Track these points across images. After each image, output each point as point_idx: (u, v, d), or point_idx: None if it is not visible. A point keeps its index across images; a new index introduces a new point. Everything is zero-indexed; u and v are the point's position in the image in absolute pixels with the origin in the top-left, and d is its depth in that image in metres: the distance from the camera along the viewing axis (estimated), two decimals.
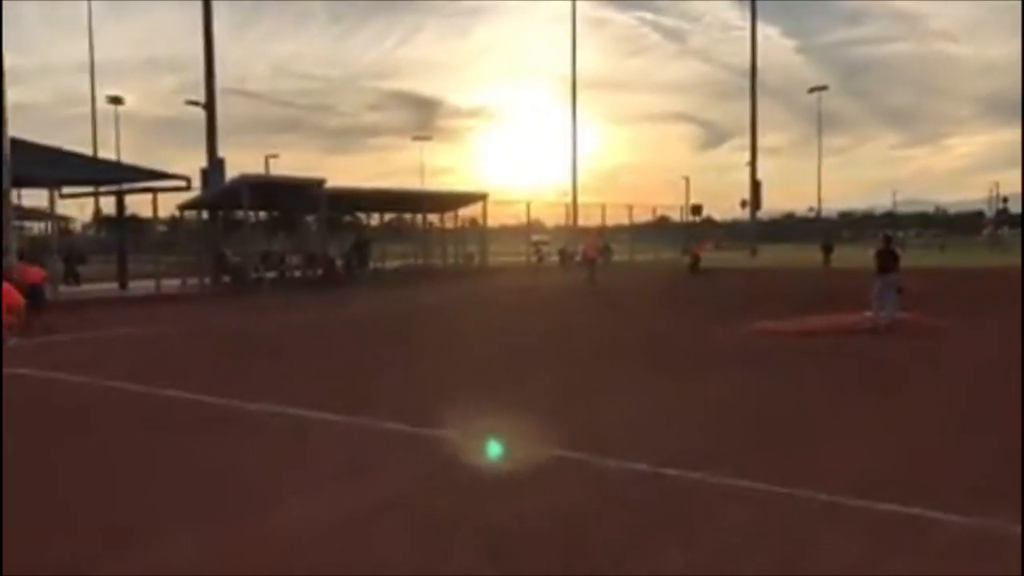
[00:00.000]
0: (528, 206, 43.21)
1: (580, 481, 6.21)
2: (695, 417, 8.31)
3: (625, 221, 49.24)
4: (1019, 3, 63.92)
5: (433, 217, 42.02)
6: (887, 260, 14.67)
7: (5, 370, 11.50)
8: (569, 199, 51.12)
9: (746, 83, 69.45)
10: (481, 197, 39.66)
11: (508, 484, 6.22)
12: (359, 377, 11.07)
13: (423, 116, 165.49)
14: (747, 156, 66.15)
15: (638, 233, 50.73)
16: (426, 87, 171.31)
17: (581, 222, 47.94)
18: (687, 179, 74.14)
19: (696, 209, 65.17)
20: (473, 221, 42.78)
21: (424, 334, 16.01)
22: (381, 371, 11.56)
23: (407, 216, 43.96)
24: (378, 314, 20.43)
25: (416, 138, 69.58)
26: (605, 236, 44.30)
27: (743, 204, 67.19)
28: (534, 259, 45.48)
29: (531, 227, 45.40)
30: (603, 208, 46.90)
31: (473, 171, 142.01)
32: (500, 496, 5.90)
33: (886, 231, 22.46)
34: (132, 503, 5.89)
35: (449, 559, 4.77)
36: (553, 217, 54.20)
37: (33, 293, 16.38)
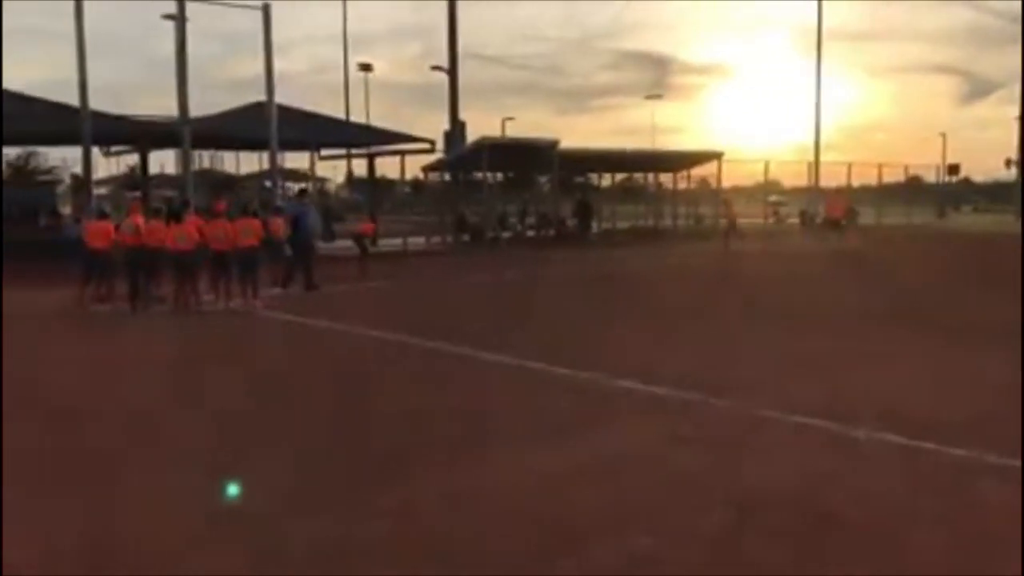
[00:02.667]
0: (766, 165, 41.64)
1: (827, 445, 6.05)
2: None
3: (873, 181, 46.22)
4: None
5: (665, 177, 41.45)
6: None
7: (278, 316, 12.76)
8: (811, 158, 48.63)
9: (1016, 29, 62.68)
10: (715, 156, 38.56)
11: (757, 447, 6.15)
12: (592, 333, 11.24)
13: (655, 74, 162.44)
14: (1015, 109, 59.83)
15: (887, 194, 47.47)
16: (658, 44, 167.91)
17: (823, 182, 45.51)
18: (943, 136, 68.44)
19: (953, 169, 59.95)
20: (705, 181, 41.74)
21: (659, 294, 15.96)
22: (614, 328, 11.67)
23: (638, 176, 43.65)
24: (610, 273, 20.56)
25: (648, 97, 68.72)
26: (851, 197, 41.82)
27: (1008, 163, 61.14)
28: (771, 220, 43.81)
29: (768, 187, 43.72)
30: (848, 167, 44.27)
31: (705, 130, 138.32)
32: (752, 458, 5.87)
33: None
34: (398, 438, 6.37)
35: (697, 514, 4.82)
36: (791, 177, 51.79)
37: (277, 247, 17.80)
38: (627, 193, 45.38)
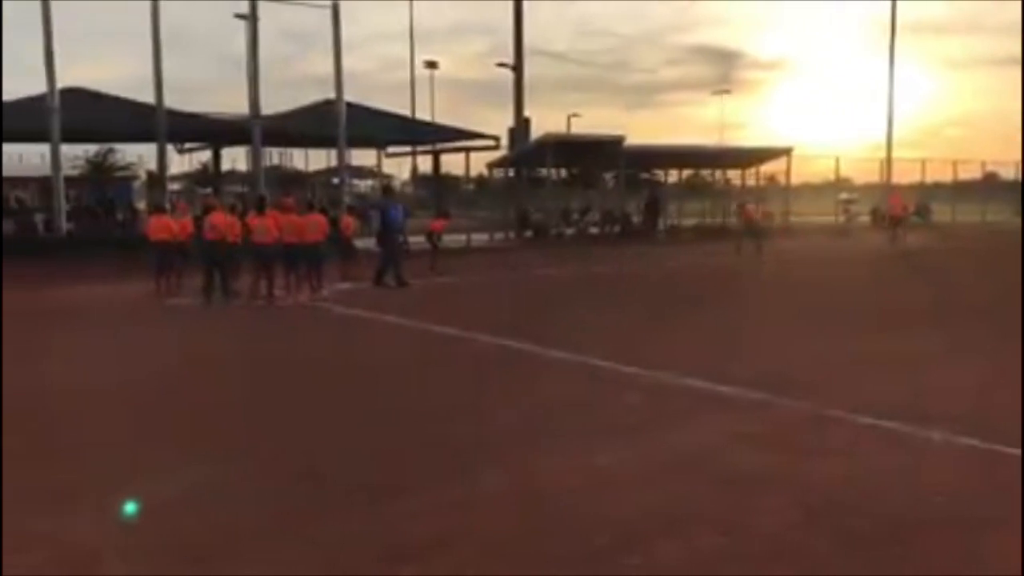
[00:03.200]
0: (837, 161, 40.80)
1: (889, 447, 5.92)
2: None
3: (948, 178, 44.93)
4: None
5: (732, 174, 40.91)
6: None
7: (346, 311, 12.96)
8: (883, 154, 47.47)
9: None
10: (784, 152, 37.92)
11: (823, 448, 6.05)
12: (658, 332, 11.16)
13: (722, 70, 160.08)
14: None
15: (962, 192, 46.10)
16: (725, 39, 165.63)
17: (896, 179, 44.37)
18: None
19: None
20: (773, 178, 41.05)
21: (724, 292, 15.79)
22: (680, 327, 11.57)
23: (705, 173, 43.15)
24: (676, 270, 20.41)
25: (715, 92, 67.85)
26: (924, 194, 40.78)
27: None
28: (842, 218, 42.92)
29: (839, 184, 42.82)
30: (922, 163, 43.12)
31: (774, 125, 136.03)
32: (817, 458, 5.77)
33: None
34: (462, 434, 6.42)
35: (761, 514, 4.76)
36: (863, 174, 50.58)
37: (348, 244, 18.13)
38: (693, 190, 44.89)
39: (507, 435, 6.41)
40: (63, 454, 6.01)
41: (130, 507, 4.98)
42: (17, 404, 7.21)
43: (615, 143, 30.52)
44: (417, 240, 19.08)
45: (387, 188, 23.49)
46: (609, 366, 8.70)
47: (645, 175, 43.64)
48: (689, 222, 37.94)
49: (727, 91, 69.42)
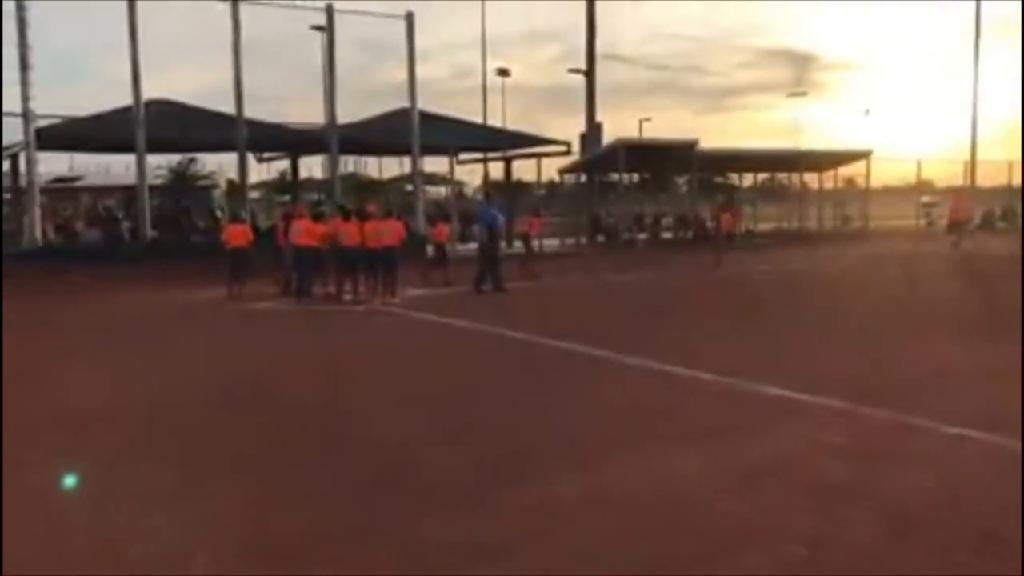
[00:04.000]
0: (918, 164, 39.74)
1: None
2: None
3: None
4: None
5: (809, 177, 40.18)
6: None
7: (418, 316, 13.11)
8: (967, 156, 46.01)
9: None
10: (863, 155, 37.10)
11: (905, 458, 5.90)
12: (734, 338, 11.01)
13: (797, 72, 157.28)
14: None
15: None
16: (801, 41, 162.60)
17: (981, 182, 42.96)
18: None
19: None
20: (851, 181, 40.18)
21: (801, 298, 15.50)
22: (756, 332, 11.40)
23: (781, 176, 42.47)
24: (751, 276, 20.11)
25: (790, 95, 66.55)
26: (1011, 197, 39.36)
27: None
28: (923, 223, 41.74)
29: (920, 187, 41.68)
30: (1009, 166, 41.68)
31: (851, 128, 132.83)
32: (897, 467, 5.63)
33: None
34: (539, 439, 6.44)
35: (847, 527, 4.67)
36: (946, 177, 49.09)
37: (440, 249, 18.68)
38: (769, 194, 44.21)
39: (585, 440, 6.40)
40: (166, 453, 6.21)
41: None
42: (106, 412, 7.48)
43: (688, 147, 30.26)
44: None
45: (488, 195, 23.66)
46: (686, 372, 8.62)
47: (719, 179, 43.18)
48: (765, 226, 37.35)
49: (803, 93, 67.96)
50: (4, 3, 19.97)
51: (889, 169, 41.51)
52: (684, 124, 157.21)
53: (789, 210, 39.34)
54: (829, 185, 39.69)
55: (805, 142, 47.99)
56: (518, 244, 22.57)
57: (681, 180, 37.94)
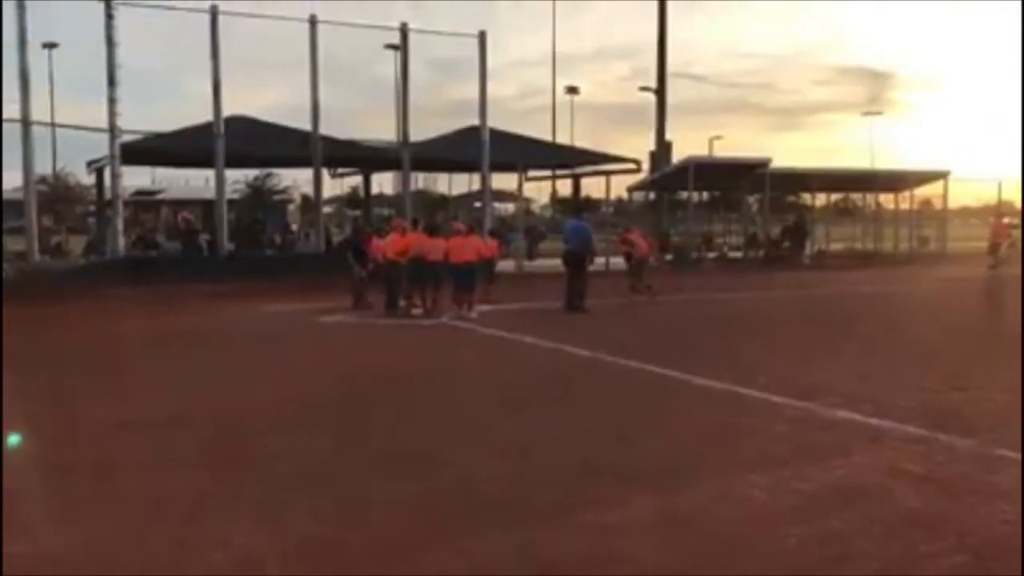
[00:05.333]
0: (999, 185, 38.60)
1: None
2: None
3: None
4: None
5: (884, 198, 39.31)
6: None
7: (488, 331, 13.22)
8: None
9: None
10: (940, 175, 36.21)
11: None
12: (807, 361, 10.83)
13: (873, 90, 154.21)
14: None
15: None
16: (877, 59, 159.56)
17: None
18: None
19: None
20: (928, 202, 39.18)
21: (875, 321, 15.16)
22: (829, 356, 11.19)
23: (855, 196, 41.63)
24: (823, 297, 19.76)
25: (865, 114, 65.38)
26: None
27: None
28: (1004, 245, 40.41)
29: (1001, 209, 40.41)
30: None
31: (928, 148, 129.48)
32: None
33: None
34: (608, 459, 6.45)
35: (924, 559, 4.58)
36: None
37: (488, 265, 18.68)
38: (843, 214, 43.38)
39: (656, 461, 6.38)
40: (242, 461, 6.39)
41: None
42: (211, 425, 7.72)
43: (760, 166, 29.93)
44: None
45: (579, 210, 23.73)
46: (757, 395, 8.53)
47: (791, 198, 42.55)
48: (837, 247, 36.66)
49: (879, 112, 66.78)
50: (91, 23, 20.80)
51: (968, 190, 40.46)
52: (755, 143, 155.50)
53: (863, 231, 38.51)
54: (905, 206, 38.77)
55: (880, 162, 46.99)
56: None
57: (752, 199, 37.47)
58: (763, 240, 32.55)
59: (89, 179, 30.53)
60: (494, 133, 25.71)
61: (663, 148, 32.71)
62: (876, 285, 22.31)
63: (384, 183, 41.34)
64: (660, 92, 33.33)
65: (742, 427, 7.45)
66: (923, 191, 38.17)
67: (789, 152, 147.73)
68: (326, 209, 30.97)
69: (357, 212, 37.25)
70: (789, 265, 29.67)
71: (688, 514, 5.24)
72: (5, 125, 20.20)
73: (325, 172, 26.92)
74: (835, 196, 41.42)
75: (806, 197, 40.98)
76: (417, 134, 25.24)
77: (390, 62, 29.78)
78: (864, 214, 40.90)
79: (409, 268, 15.71)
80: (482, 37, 24.81)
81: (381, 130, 34.26)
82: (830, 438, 7.03)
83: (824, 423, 7.50)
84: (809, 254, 33.24)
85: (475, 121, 25.65)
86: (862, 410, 7.74)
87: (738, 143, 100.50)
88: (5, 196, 48.13)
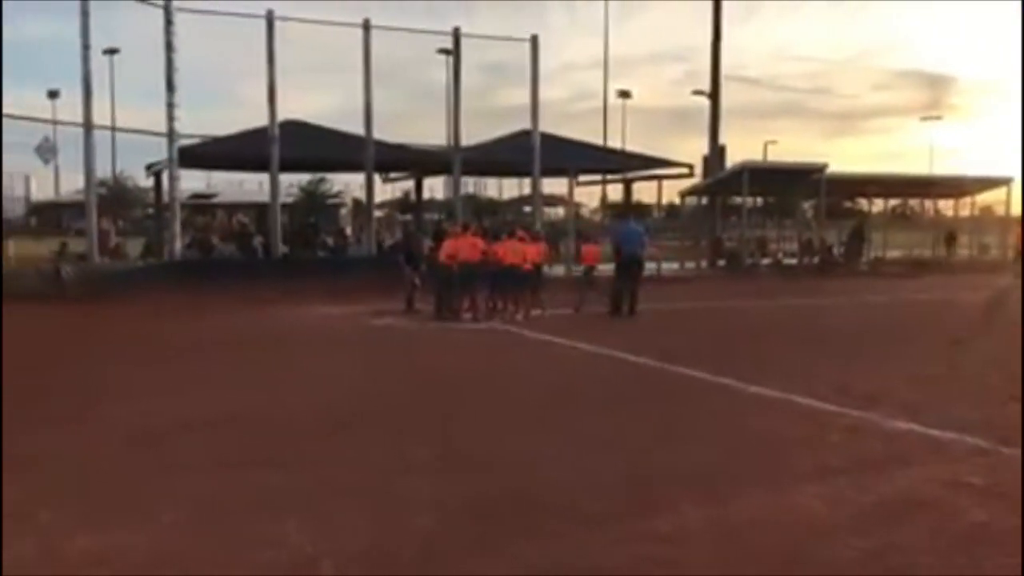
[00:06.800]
0: None
1: None
2: None
3: None
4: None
5: (944, 204, 38.48)
6: None
7: (536, 335, 13.19)
8: None
9: None
10: (1003, 182, 35.31)
11: None
12: (863, 370, 10.60)
13: (933, 94, 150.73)
14: None
15: None
16: (937, 63, 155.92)
17: None
18: None
19: None
20: (989, 209, 38.24)
21: (932, 329, 14.81)
22: (886, 365, 10.95)
23: (914, 203, 40.84)
24: (882, 305, 19.38)
25: (924, 118, 63.96)
26: None
27: None
28: None
29: None
30: None
31: (990, 153, 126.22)
32: None
33: None
34: (662, 466, 6.37)
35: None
36: None
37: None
38: (901, 220, 42.55)
39: (709, 469, 6.29)
40: (298, 459, 6.45)
41: None
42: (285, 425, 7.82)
43: (816, 171, 29.49)
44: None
45: (622, 214, 23.52)
46: (812, 403, 8.37)
47: (848, 204, 41.86)
48: (895, 254, 35.95)
49: (938, 117, 65.18)
50: (150, 29, 21.25)
51: None
52: (811, 147, 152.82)
53: (922, 238, 37.73)
54: (965, 213, 37.91)
55: (939, 167, 46.04)
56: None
57: (807, 205, 36.93)
58: (818, 246, 32.02)
59: (147, 182, 31.11)
60: (545, 137, 25.64)
61: (717, 152, 32.35)
62: (935, 293, 21.80)
63: (435, 187, 41.59)
64: (714, 96, 32.97)
65: (797, 436, 7.31)
66: (985, 197, 37.29)
67: (845, 157, 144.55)
68: (377, 213, 31.14)
69: (408, 216, 37.45)
70: (845, 272, 29.16)
71: (742, 523, 5.15)
72: (68, 129, 20.74)
73: (377, 176, 27.10)
74: (893, 202, 40.62)
75: (863, 203, 40.33)
76: (468, 138, 25.32)
77: (441, 66, 29.87)
78: (923, 221, 40.10)
79: (460, 272, 15.69)
80: (534, 41, 24.80)
81: (431, 134, 34.39)
82: (889, 448, 6.86)
83: (882, 433, 7.33)
84: (866, 261, 32.61)
85: (525, 124, 25.64)
86: (922, 420, 7.54)
87: (793, 148, 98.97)
88: (67, 199, 49.64)
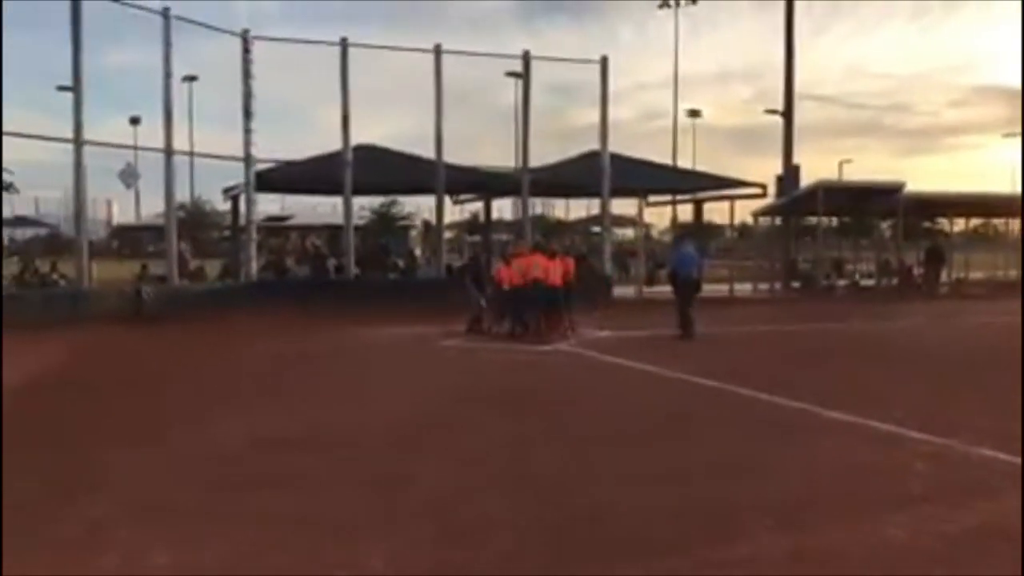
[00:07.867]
0: None
1: None
2: None
3: None
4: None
5: None
6: None
7: (597, 356, 13.08)
8: None
9: None
10: None
11: None
12: (946, 396, 10.25)
13: (1013, 110, 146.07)
14: None
15: None
16: (1015, 78, 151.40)
17: None
18: None
19: None
20: None
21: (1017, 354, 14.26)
22: (970, 391, 10.55)
23: (997, 222, 39.50)
24: (963, 329, 18.76)
25: (1007, 135, 61.90)
26: None
27: None
28: None
29: None
30: None
31: None
32: None
33: None
34: (736, 492, 6.24)
35: None
36: None
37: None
38: (983, 240, 41.19)
39: (784, 496, 6.13)
40: (371, 482, 6.49)
41: None
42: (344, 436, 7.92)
43: (894, 190, 28.76)
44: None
45: (688, 231, 23.42)
46: (894, 430, 8.11)
47: (926, 224, 40.74)
48: (977, 275, 34.80)
49: (1019, 133, 62.97)
50: (229, 57, 21.86)
51: None
52: (887, 166, 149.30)
53: (1005, 258, 36.44)
54: None
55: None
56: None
57: (885, 225, 36.01)
58: (897, 267, 31.18)
59: (224, 205, 31.89)
60: (614, 158, 25.55)
61: (791, 171, 31.77)
62: (1018, 316, 21.02)
63: (503, 208, 41.85)
64: (787, 114, 32.47)
65: (877, 463, 7.10)
66: None
67: (923, 175, 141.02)
68: (447, 235, 31.39)
69: (476, 238, 37.70)
70: (926, 294, 28.33)
71: (821, 553, 5.00)
72: (149, 154, 21.39)
73: (447, 199, 27.33)
74: (974, 222, 39.36)
75: (943, 223, 39.18)
76: (537, 159, 25.38)
77: (510, 88, 30.10)
78: (1007, 241, 38.77)
79: (517, 293, 15.95)
80: (604, 63, 24.78)
81: (499, 156, 34.57)
82: (974, 477, 6.62)
83: (967, 461, 7.07)
84: (946, 282, 31.62)
85: (594, 145, 25.60)
86: (1008, 448, 7.24)
87: (869, 167, 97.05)
88: (148, 222, 51.19)
